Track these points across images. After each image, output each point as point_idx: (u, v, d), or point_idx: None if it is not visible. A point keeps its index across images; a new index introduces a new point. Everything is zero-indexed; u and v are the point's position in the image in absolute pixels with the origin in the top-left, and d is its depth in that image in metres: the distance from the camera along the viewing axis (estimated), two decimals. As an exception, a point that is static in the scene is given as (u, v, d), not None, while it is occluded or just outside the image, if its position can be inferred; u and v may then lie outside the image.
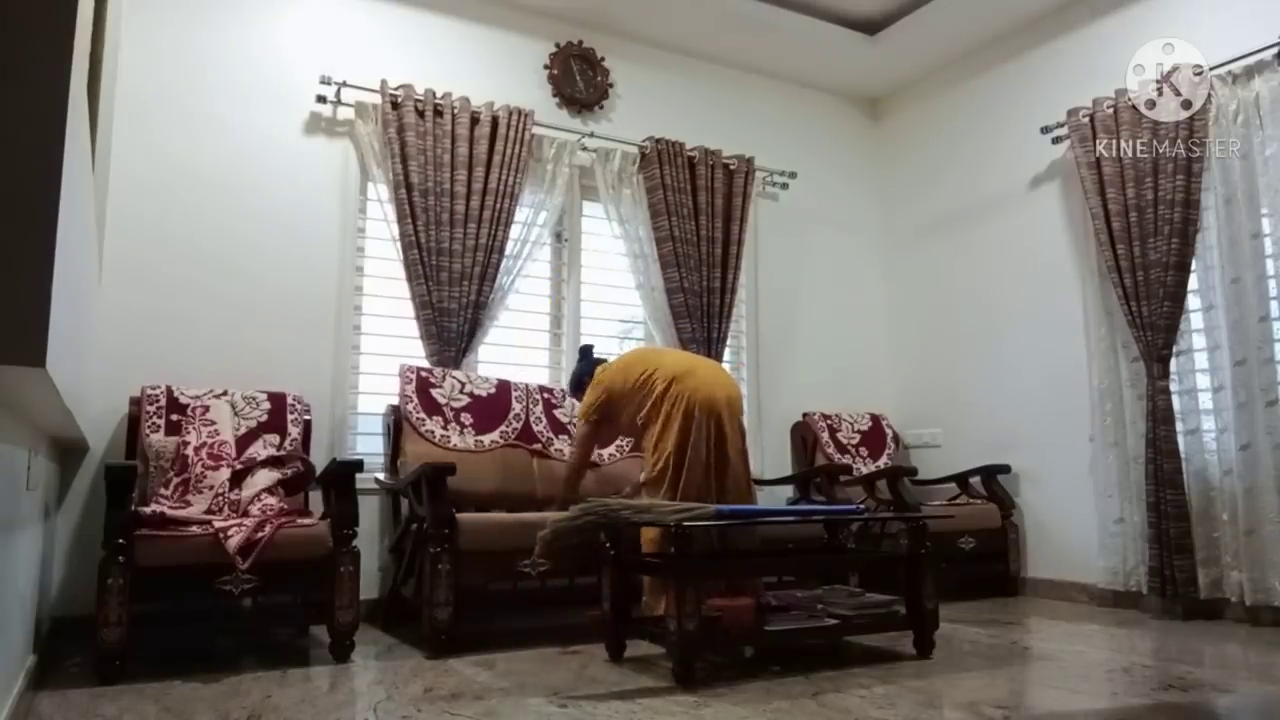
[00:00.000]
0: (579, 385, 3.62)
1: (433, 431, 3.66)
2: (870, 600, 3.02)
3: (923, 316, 5.21)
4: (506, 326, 4.32)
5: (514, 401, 3.94)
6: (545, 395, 4.07)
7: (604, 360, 3.64)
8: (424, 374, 3.79)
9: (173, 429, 3.28)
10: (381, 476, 3.75)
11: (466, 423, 3.77)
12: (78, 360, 1.98)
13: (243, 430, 3.36)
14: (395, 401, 3.76)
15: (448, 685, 2.57)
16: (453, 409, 3.77)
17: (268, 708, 2.31)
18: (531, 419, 3.94)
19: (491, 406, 3.88)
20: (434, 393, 3.76)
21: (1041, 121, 4.41)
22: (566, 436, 3.96)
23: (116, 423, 3.42)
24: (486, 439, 3.78)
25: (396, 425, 3.70)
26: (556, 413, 4.05)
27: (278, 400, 3.54)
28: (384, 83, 3.98)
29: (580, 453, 3.52)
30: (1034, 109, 4.50)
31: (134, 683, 2.54)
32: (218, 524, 2.79)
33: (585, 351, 3.79)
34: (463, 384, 3.86)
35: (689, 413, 3.13)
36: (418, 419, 3.66)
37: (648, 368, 3.30)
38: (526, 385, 4.04)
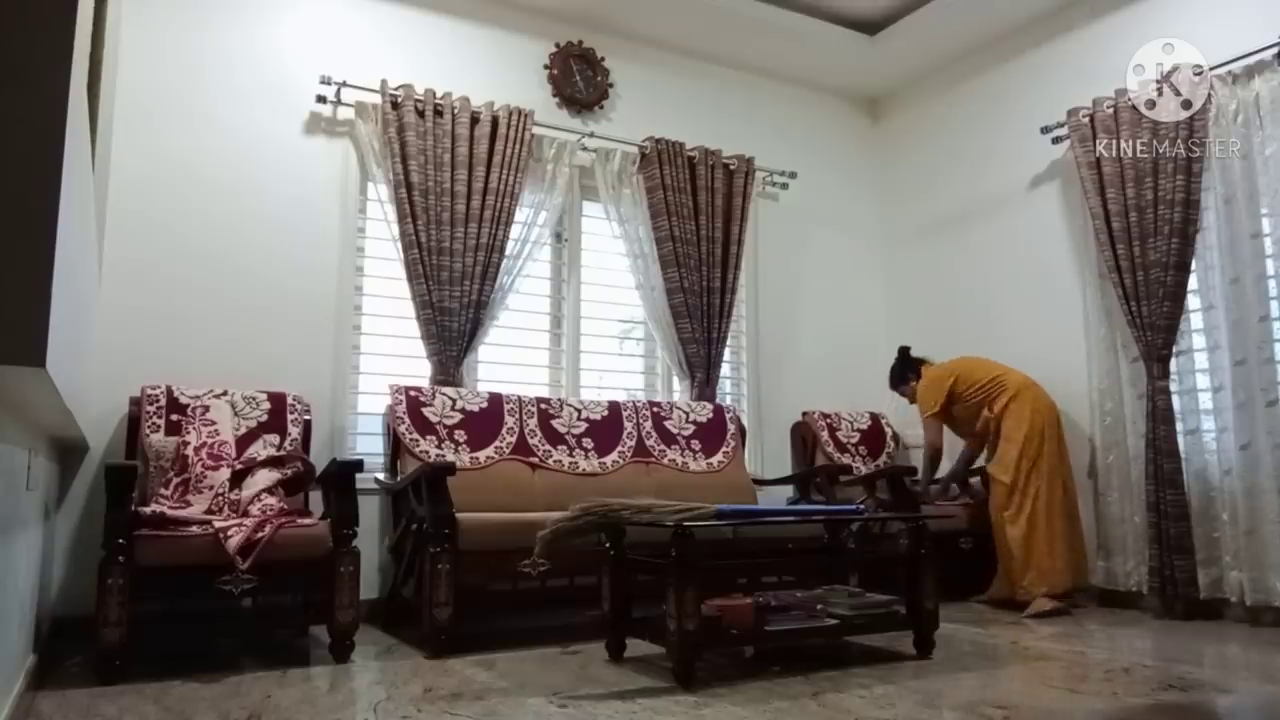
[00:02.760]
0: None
1: (427, 452, 3.59)
2: (870, 600, 3.01)
3: (922, 316, 5.20)
4: (507, 326, 4.32)
5: (507, 415, 3.88)
6: (541, 406, 4.01)
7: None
8: (414, 393, 3.73)
9: (173, 429, 3.28)
10: (381, 476, 3.75)
11: (461, 440, 3.72)
12: (78, 360, 1.98)
13: (243, 430, 3.36)
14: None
15: (448, 685, 2.57)
16: (445, 427, 3.72)
17: (268, 708, 2.32)
18: (526, 431, 3.89)
19: (485, 421, 3.82)
20: (425, 411, 3.71)
21: (1041, 121, 4.41)
22: (565, 447, 3.94)
23: (116, 423, 3.42)
24: (482, 455, 3.73)
25: (394, 439, 3.68)
26: (554, 423, 3.99)
27: (278, 400, 3.54)
28: (384, 83, 3.98)
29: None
30: (1034, 109, 4.49)
31: (134, 683, 2.54)
32: (218, 524, 2.79)
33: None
34: (453, 400, 3.81)
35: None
36: (411, 440, 3.61)
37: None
38: (519, 397, 3.99)
